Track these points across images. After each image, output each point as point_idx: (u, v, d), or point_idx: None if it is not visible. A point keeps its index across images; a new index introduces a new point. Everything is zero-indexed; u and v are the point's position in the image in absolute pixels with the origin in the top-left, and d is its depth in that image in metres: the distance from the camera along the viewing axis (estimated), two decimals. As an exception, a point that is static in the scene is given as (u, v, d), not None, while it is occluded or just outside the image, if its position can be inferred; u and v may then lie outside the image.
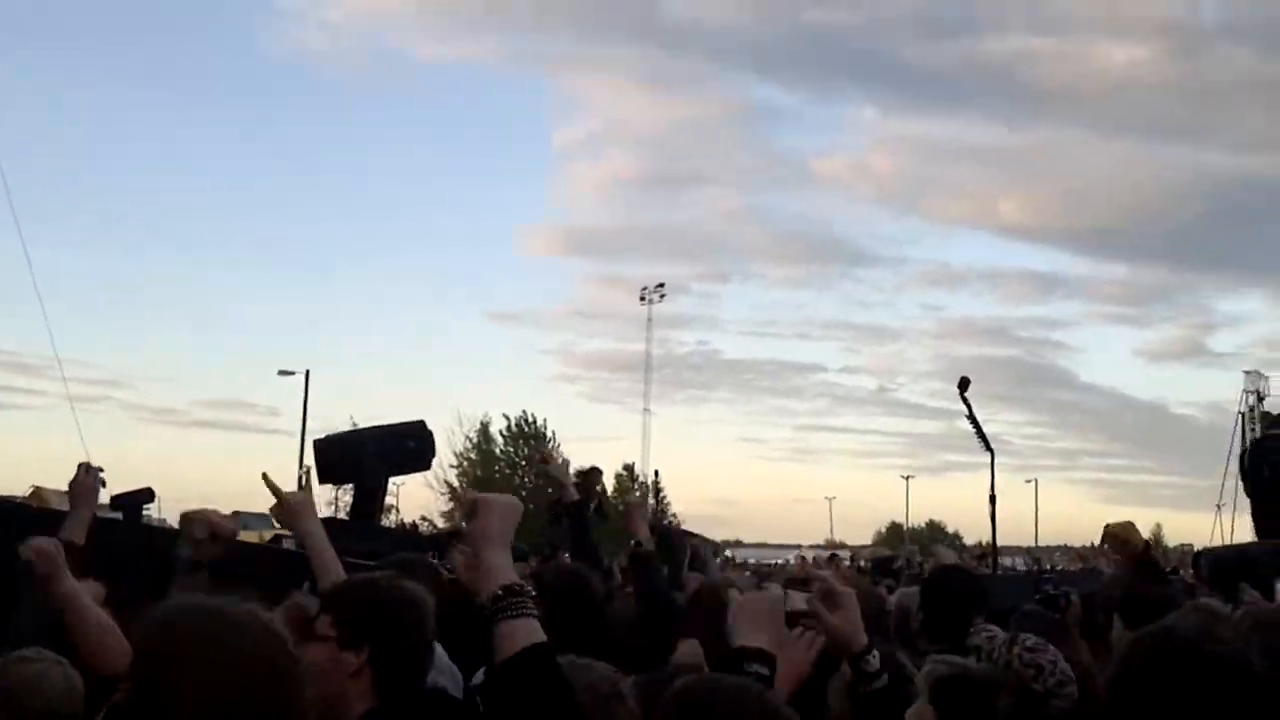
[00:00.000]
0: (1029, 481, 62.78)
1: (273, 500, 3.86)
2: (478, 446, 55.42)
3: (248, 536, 8.56)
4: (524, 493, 54.92)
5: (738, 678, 2.47)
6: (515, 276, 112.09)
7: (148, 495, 7.69)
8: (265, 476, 3.89)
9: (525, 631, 2.29)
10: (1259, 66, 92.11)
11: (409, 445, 8.50)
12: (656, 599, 4.78)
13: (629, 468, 62.26)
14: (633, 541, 5.10)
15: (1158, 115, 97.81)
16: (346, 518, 9.21)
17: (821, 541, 73.80)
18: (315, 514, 3.99)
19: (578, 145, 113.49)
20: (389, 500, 44.91)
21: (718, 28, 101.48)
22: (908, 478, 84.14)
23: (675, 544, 8.13)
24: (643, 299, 64.85)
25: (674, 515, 53.54)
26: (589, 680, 2.60)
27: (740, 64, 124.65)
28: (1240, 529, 46.80)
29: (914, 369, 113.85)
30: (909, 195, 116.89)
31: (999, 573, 11.80)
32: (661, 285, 65.39)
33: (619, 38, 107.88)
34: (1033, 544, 57.36)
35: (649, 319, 64.88)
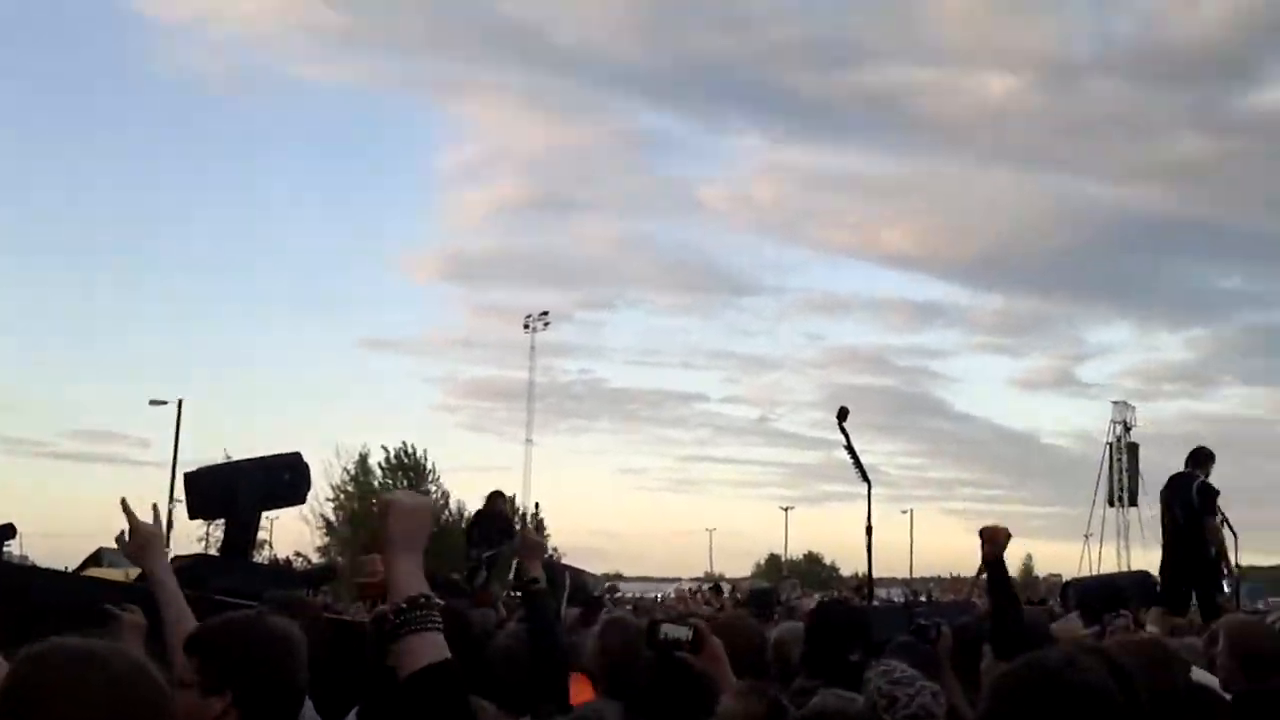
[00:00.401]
0: (905, 512, 63.71)
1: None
2: (355, 479, 54.57)
3: (113, 574, 8.30)
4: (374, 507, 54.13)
5: None
6: (396, 303, 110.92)
7: (8, 531, 7.42)
8: (124, 503, 3.73)
9: (431, 647, 2.18)
10: (1130, 99, 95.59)
11: (284, 478, 8.31)
12: (549, 637, 4.76)
13: (510, 499, 61.79)
14: (526, 579, 5.06)
15: (1033, 146, 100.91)
16: (218, 553, 8.96)
17: (701, 574, 73.98)
18: (165, 554, 3.84)
19: (462, 170, 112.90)
20: (262, 535, 44.11)
21: (605, 54, 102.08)
22: (787, 509, 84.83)
23: (556, 578, 8.09)
24: (526, 327, 64.57)
25: (554, 548, 53.26)
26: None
27: (627, 91, 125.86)
28: (1107, 559, 48.26)
29: (795, 399, 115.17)
30: (793, 224, 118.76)
31: (876, 604, 11.94)
32: (545, 313, 65.22)
33: (506, 62, 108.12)
34: (909, 575, 58.27)
35: (532, 347, 64.64)
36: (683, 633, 3.68)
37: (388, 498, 2.37)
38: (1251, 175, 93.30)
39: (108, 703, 2.09)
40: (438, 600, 2.27)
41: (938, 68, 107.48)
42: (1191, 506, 11.35)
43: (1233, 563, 11.47)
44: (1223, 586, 11.15)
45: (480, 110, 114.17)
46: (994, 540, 5.06)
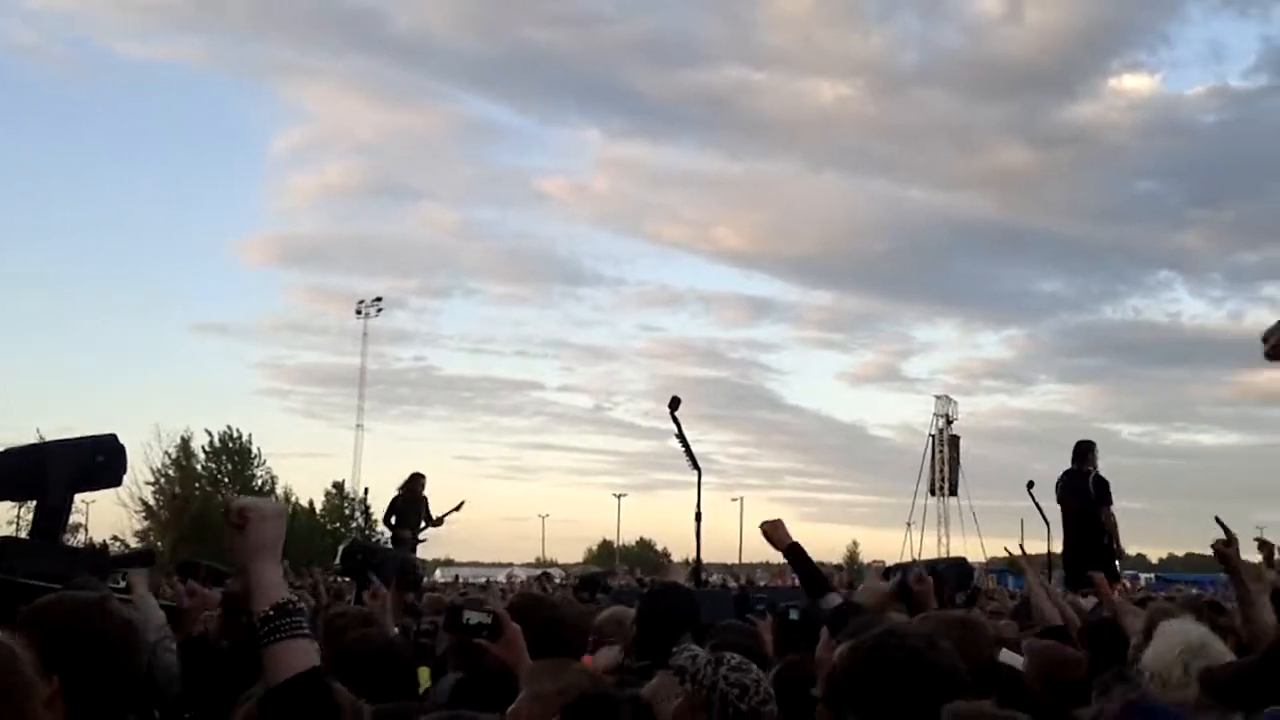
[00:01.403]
0: (735, 500, 64.57)
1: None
2: (177, 463, 52.94)
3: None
4: (224, 512, 52.71)
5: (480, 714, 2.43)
6: (224, 287, 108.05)
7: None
8: None
9: (303, 653, 2.19)
10: (955, 109, 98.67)
11: (97, 460, 7.98)
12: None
13: (339, 485, 60.76)
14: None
15: (862, 151, 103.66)
16: (28, 537, 8.58)
17: (533, 560, 74.06)
18: None
19: (295, 154, 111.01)
20: (78, 519, 42.49)
21: (442, 43, 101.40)
22: (620, 496, 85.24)
23: (385, 562, 7.98)
24: (359, 313, 63.66)
25: (382, 534, 52.48)
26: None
27: (465, 80, 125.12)
28: (928, 546, 49.84)
29: (629, 389, 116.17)
30: (630, 217, 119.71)
31: (705, 589, 12.10)
32: (379, 299, 64.41)
33: (340, 47, 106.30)
34: (738, 561, 59.12)
35: (365, 333, 63.73)
36: (483, 618, 3.70)
37: (245, 504, 2.33)
38: (1069, 185, 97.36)
39: None
40: (302, 604, 2.24)
41: (772, 71, 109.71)
42: (1088, 497, 12.47)
43: (1121, 546, 12.77)
44: (1115, 568, 12.30)
45: (313, 94, 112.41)
46: (772, 534, 5.32)
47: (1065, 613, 6.06)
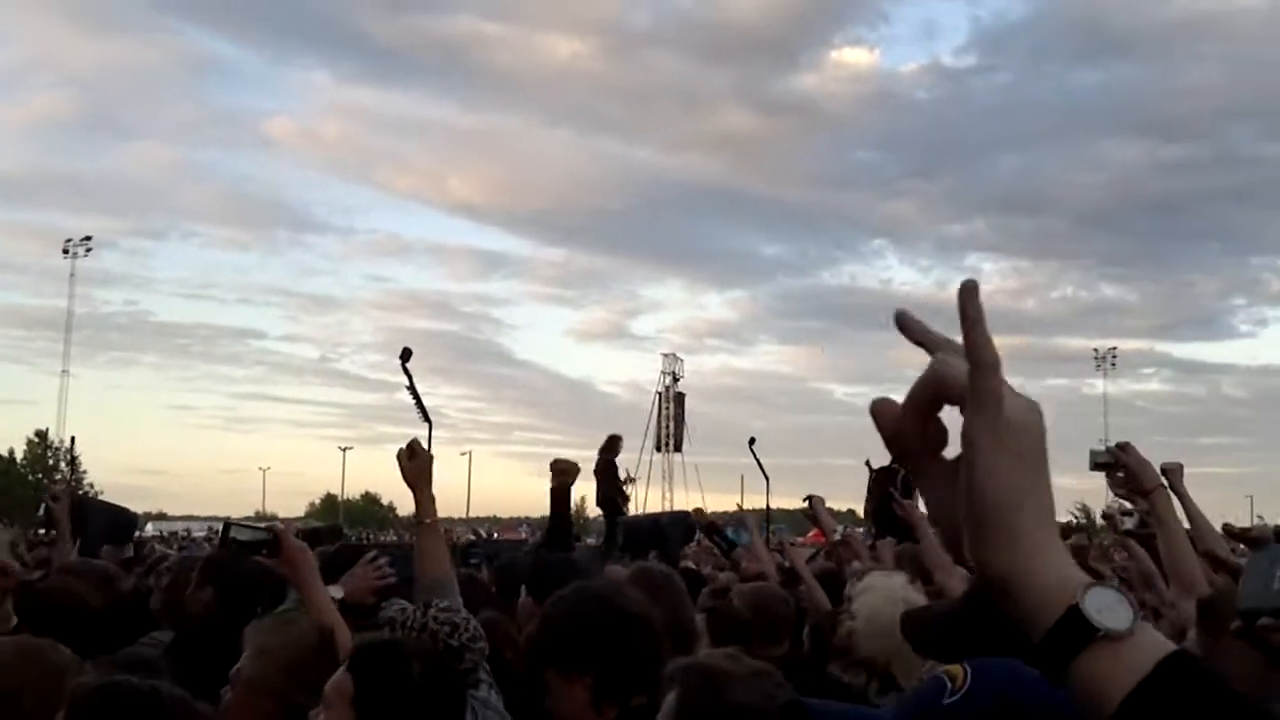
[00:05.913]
0: (464, 454, 64.55)
1: None
2: None
3: None
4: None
5: (147, 682, 2.35)
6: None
7: None
8: None
9: None
10: (683, 72, 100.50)
11: None
12: None
13: (42, 434, 57.53)
14: None
15: (594, 109, 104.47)
16: None
17: (253, 513, 72.15)
18: None
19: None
20: None
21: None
22: (345, 449, 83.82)
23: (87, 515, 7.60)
24: (66, 252, 60.18)
25: (91, 486, 50.04)
26: None
27: (187, 13, 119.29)
28: (653, 500, 50.97)
29: (357, 340, 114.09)
30: (360, 165, 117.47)
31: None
32: (88, 239, 61.00)
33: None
34: (466, 515, 59.18)
35: (72, 274, 60.31)
36: (259, 535, 3.58)
37: None
38: (792, 152, 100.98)
39: None
40: None
41: (508, 23, 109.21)
42: None
43: None
44: None
45: (15, 16, 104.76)
46: (564, 472, 5.29)
47: (769, 566, 6.38)
